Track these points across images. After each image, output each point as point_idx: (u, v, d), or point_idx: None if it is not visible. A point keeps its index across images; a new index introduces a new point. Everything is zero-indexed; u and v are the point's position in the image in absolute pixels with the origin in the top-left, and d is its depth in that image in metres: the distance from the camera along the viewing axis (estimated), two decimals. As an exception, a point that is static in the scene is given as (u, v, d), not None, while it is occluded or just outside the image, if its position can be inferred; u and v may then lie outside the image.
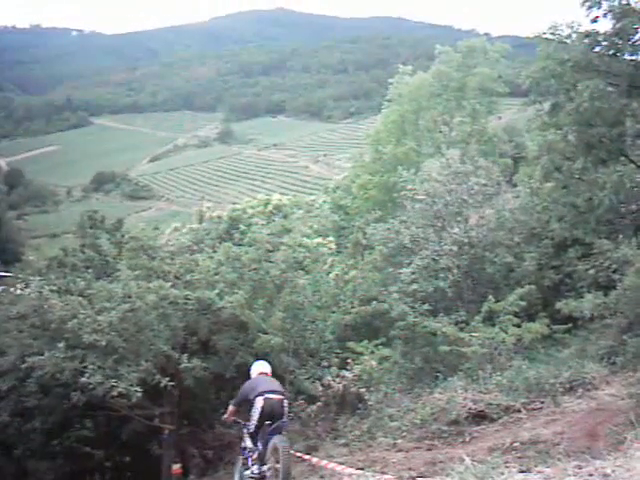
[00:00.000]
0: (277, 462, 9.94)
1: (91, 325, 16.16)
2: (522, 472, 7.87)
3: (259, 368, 11.60)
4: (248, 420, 10.76)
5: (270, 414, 10.46)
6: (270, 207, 37.26)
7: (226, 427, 18.74)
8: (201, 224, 30.01)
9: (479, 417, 13.62)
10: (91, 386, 15.46)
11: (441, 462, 11.17)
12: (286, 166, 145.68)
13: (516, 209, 21.65)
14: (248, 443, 10.89)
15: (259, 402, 10.48)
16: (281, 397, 10.68)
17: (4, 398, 18.35)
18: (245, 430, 10.97)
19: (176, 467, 16.01)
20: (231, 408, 11.53)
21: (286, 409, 10.70)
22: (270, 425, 10.46)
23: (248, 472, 10.69)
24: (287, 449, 10.08)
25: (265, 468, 10.30)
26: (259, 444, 10.57)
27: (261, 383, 10.96)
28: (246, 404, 10.91)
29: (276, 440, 10.16)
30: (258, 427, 10.56)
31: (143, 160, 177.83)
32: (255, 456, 10.62)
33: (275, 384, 11.05)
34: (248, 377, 11.63)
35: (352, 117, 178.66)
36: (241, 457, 11.21)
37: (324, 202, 44.20)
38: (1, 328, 19.42)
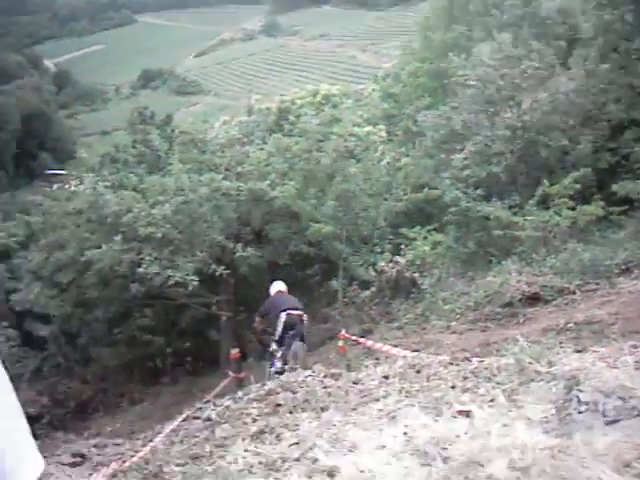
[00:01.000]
0: (296, 363, 11.88)
1: (146, 218, 16.44)
2: (577, 352, 7.92)
3: (278, 287, 13.72)
4: (274, 329, 12.82)
5: (292, 326, 12.67)
6: (319, 97, 36.75)
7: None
8: (250, 116, 29.77)
9: (533, 299, 13.64)
10: (149, 277, 15.83)
11: (495, 343, 11.26)
12: (333, 56, 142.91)
13: (571, 92, 21.04)
14: (274, 347, 12.91)
15: (283, 317, 12.68)
16: (300, 312, 12.90)
17: (66, 290, 18.91)
18: (272, 337, 13.02)
19: (234, 352, 16.39)
20: (257, 319, 13.77)
21: (305, 321, 13.01)
22: (292, 334, 12.65)
23: (273, 369, 12.66)
24: (304, 353, 12.80)
25: (287, 367, 11.94)
26: (283, 348, 12.64)
27: (283, 301, 13.22)
28: (270, 317, 13.11)
29: (295, 346, 12.56)
30: (282, 336, 12.67)
31: (189, 56, 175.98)
32: (279, 356, 12.66)
33: (294, 301, 13.25)
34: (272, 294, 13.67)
35: (400, 4, 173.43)
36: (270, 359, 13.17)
37: (373, 90, 43.40)
38: (59, 224, 19.86)
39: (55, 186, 25.63)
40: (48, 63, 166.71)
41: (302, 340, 12.95)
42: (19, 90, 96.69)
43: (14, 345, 20.29)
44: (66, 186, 22.15)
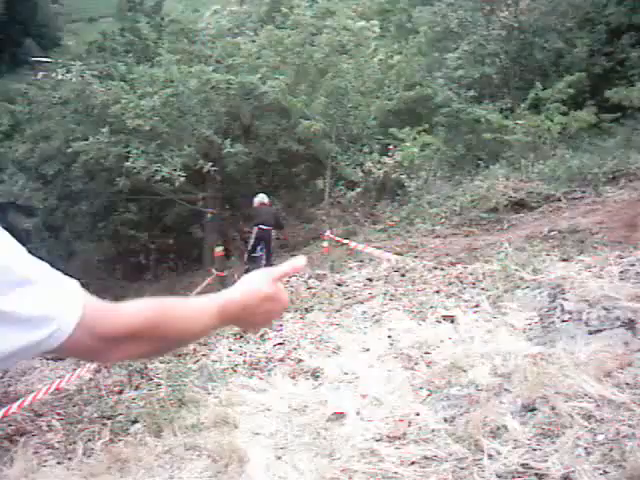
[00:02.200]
0: None
1: (134, 110, 16.14)
2: (563, 260, 7.95)
3: (260, 199, 14.58)
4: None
5: (261, 239, 14.17)
6: (313, -13, 35.86)
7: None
8: (242, 6, 29.03)
9: (518, 205, 13.65)
10: (135, 170, 15.66)
11: (479, 249, 11.30)
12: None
13: (570, -9, 20.54)
14: (245, 258, 14.67)
15: (255, 230, 14.18)
16: (269, 228, 14.26)
17: (51, 182, 18.76)
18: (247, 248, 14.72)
19: (218, 249, 16.43)
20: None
21: (273, 236, 14.71)
22: (260, 247, 14.17)
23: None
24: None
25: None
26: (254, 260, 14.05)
27: (260, 215, 14.36)
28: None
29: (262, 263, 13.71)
30: (254, 248, 14.19)
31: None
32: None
33: (269, 216, 14.38)
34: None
35: None
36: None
37: (368, -16, 42.30)
38: (44, 114, 19.50)
39: (40, 74, 25.07)
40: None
41: (269, 255, 14.34)
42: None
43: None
44: (52, 75, 21.61)
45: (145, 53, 20.36)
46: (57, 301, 1.26)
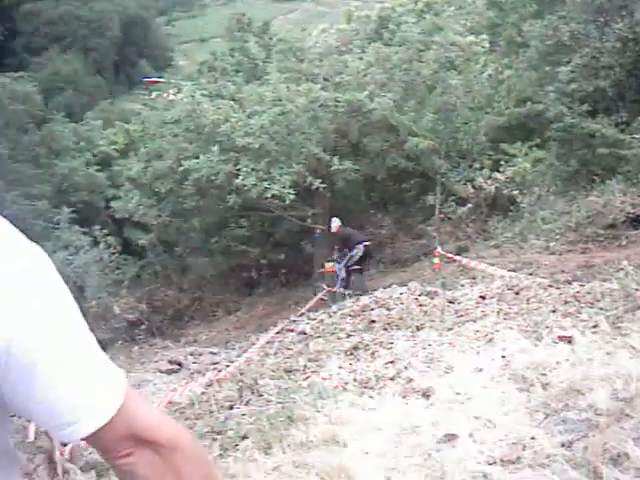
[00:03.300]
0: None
1: (243, 128, 16.38)
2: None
3: (339, 223, 16.04)
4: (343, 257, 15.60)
5: (368, 254, 15.75)
6: (420, 4, 35.66)
7: (377, 228, 19.18)
8: (349, 24, 29.19)
9: (637, 221, 13.22)
10: (246, 188, 15.84)
11: (595, 266, 10.97)
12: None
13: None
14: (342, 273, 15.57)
15: (361, 248, 15.34)
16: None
17: (164, 200, 19.21)
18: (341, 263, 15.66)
19: (329, 266, 16.47)
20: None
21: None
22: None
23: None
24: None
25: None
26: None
27: (354, 234, 16.02)
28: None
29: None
30: (357, 261, 15.37)
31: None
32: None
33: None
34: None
35: None
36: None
37: (477, -2, 41.91)
38: (157, 133, 20.03)
39: (153, 94, 25.81)
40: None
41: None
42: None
43: (114, 252, 20.77)
44: (164, 94, 22.21)
45: (254, 72, 20.68)
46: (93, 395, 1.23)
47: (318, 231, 17.92)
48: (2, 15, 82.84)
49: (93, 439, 1.24)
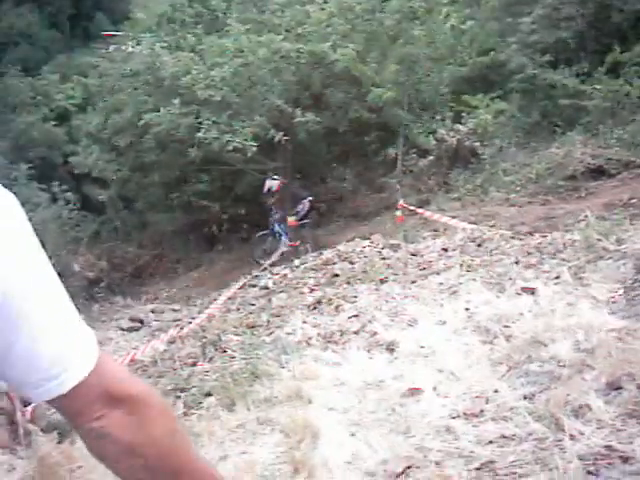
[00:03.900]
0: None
1: (204, 81, 16.11)
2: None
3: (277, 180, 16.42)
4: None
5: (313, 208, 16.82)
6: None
7: (338, 181, 19.09)
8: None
9: (597, 172, 13.28)
10: (207, 141, 15.63)
11: (556, 217, 11.03)
12: None
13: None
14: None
15: (307, 204, 16.38)
16: None
17: (123, 154, 18.94)
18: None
19: (291, 219, 16.39)
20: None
21: None
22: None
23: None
24: None
25: None
26: None
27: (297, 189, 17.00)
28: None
29: None
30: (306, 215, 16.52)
31: None
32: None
33: None
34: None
35: None
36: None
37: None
38: (116, 86, 19.66)
39: (111, 47, 25.26)
40: None
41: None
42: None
43: (73, 209, 20.44)
44: (122, 47, 21.75)
45: (214, 24, 20.29)
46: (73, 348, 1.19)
47: (280, 184, 17.78)
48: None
49: (65, 400, 1.19)
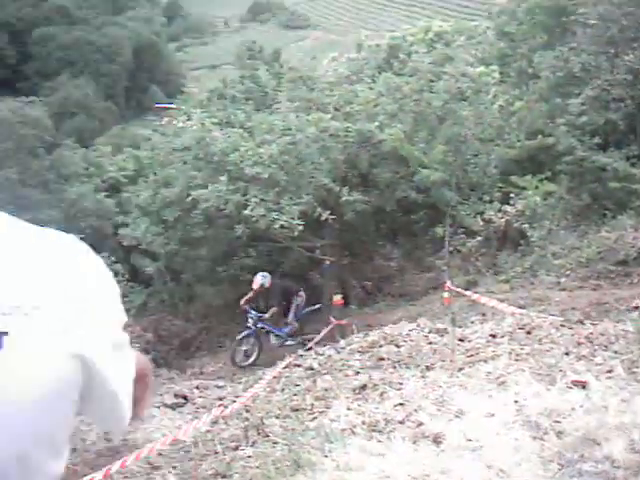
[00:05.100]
0: None
1: (252, 157, 16.32)
2: None
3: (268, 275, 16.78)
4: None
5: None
6: (431, 34, 35.71)
7: (386, 260, 19.05)
8: (359, 53, 29.25)
9: (650, 257, 13.08)
10: (254, 219, 15.74)
11: (607, 303, 10.83)
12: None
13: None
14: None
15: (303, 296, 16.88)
16: None
17: (172, 228, 19.13)
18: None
19: (337, 298, 16.33)
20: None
21: None
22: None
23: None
24: None
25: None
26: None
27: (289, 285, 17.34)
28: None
29: None
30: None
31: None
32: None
33: None
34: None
35: None
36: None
37: (487, 28, 41.92)
38: (166, 160, 20.00)
39: (164, 120, 25.86)
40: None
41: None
42: (130, 21, 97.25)
43: (122, 280, 20.63)
44: (174, 121, 22.22)
45: (264, 100, 20.70)
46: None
47: (327, 262, 17.80)
48: (15, 39, 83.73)
49: None
